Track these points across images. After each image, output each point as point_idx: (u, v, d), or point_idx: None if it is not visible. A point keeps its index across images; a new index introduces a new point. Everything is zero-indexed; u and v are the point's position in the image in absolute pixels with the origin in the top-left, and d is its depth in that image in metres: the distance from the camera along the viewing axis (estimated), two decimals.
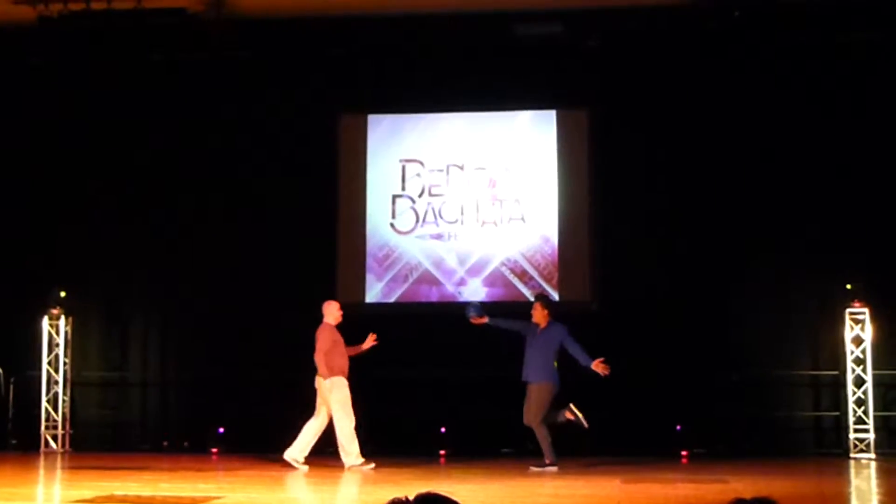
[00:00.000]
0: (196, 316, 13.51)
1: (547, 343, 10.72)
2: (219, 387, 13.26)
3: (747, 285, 12.84)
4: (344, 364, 10.85)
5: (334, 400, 10.70)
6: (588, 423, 10.71)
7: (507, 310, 12.23)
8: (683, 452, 12.38)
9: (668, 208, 13.04)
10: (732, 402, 12.66)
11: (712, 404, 12.67)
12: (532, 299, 12.74)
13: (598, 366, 10.39)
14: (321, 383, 10.79)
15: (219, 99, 13.70)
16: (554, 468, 10.66)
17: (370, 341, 11.21)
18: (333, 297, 13.08)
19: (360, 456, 10.77)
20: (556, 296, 13.01)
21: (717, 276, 12.89)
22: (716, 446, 12.51)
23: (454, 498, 2.27)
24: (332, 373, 10.70)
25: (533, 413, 10.63)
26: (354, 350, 11.12)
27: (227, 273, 13.42)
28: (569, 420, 10.74)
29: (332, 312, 10.99)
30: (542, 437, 10.69)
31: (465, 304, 10.87)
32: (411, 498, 2.20)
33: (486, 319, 10.84)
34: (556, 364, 10.81)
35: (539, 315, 10.91)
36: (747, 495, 2.50)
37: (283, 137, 13.59)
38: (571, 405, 10.71)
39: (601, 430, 12.24)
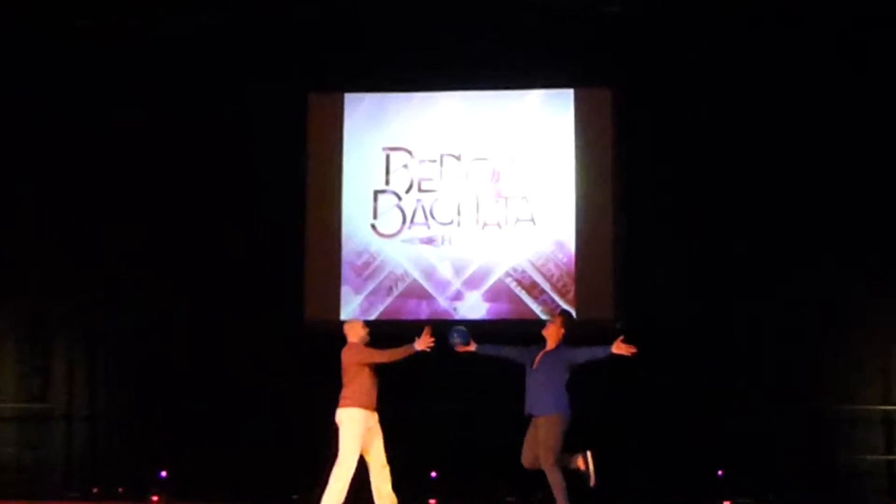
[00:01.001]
0: (132, 336, 13.74)
1: (554, 365, 10.68)
2: (160, 421, 13.44)
3: (805, 303, 13.06)
4: (365, 394, 10.67)
5: (342, 436, 10.60)
6: (598, 479, 10.73)
7: (513, 330, 12.35)
8: (726, 503, 12.75)
9: (709, 209, 13.31)
10: (786, 442, 12.96)
11: (761, 445, 12.92)
12: (543, 317, 13.22)
13: (620, 347, 10.32)
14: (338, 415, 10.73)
15: (157, 77, 13.91)
16: None
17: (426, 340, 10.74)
18: (301, 314, 13.70)
19: None
20: (572, 313, 12.94)
21: (767, 292, 13.12)
22: (766, 496, 12.84)
23: None
24: (347, 402, 10.66)
25: (544, 453, 10.64)
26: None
27: (170, 285, 13.67)
28: (578, 469, 10.81)
29: (356, 332, 10.97)
30: (557, 483, 10.60)
31: (450, 330, 10.88)
32: None
33: (472, 347, 10.90)
34: (566, 391, 10.78)
35: (554, 332, 10.84)
36: None
37: (239, 121, 13.92)
38: (589, 453, 10.75)
39: (625, 475, 12.71)
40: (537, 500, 12.33)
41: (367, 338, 10.89)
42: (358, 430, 10.52)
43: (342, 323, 12.39)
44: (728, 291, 13.27)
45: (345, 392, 10.64)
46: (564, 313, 11.23)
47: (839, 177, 13.32)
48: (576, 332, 11.10)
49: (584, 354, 10.57)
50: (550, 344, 10.72)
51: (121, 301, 13.82)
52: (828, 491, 12.89)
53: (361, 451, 10.55)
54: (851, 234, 13.22)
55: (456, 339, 10.82)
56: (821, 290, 13.13)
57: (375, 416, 10.64)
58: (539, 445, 10.55)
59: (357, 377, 10.66)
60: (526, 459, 10.64)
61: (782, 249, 13.33)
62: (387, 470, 10.62)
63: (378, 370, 10.66)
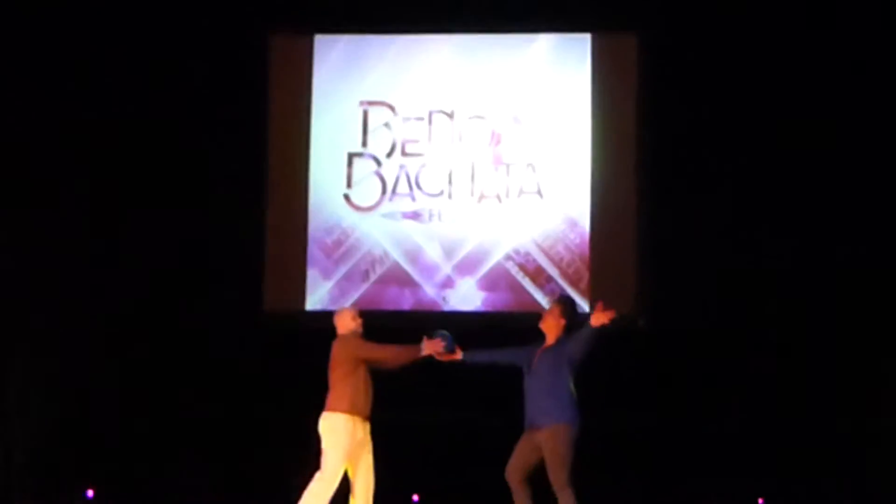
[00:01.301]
0: (52, 329, 13.55)
1: (556, 365, 10.50)
2: (86, 430, 13.40)
3: (866, 296, 12.99)
4: (356, 397, 10.42)
5: (326, 447, 10.37)
6: None
7: (513, 325, 12.23)
8: None
9: (753, 181, 13.24)
10: (843, 461, 12.85)
11: (812, 465, 12.86)
12: None
13: (599, 317, 10.16)
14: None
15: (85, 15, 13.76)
16: None
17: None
18: (259, 304, 13.57)
19: None
20: (585, 306, 13.14)
21: (821, 283, 13.11)
22: None
23: None
24: (335, 407, 10.36)
25: (554, 472, 10.40)
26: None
27: (99, 267, 13.59)
28: None
29: (346, 322, 10.67)
30: None
31: (431, 335, 10.64)
32: None
33: (459, 355, 10.70)
34: (573, 394, 10.64)
35: (552, 324, 10.76)
36: None
37: (186, 69, 13.80)
38: None
39: (648, 498, 12.71)
40: None
41: (360, 330, 10.54)
42: (345, 442, 10.21)
43: (310, 315, 13.25)
44: (778, 282, 13.19)
45: (333, 394, 10.27)
46: (563, 300, 11.02)
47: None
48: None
49: (577, 345, 10.35)
50: (550, 339, 10.47)
51: (40, 287, 13.58)
52: None
53: (346, 466, 10.33)
54: None
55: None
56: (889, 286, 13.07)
57: (367, 426, 10.35)
58: (534, 459, 10.35)
59: (349, 377, 10.25)
60: (511, 472, 10.33)
61: (844, 239, 13.21)
62: (371, 492, 10.32)
63: (374, 371, 10.35)
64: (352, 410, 10.24)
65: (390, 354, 10.27)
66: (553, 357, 10.35)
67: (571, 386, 10.33)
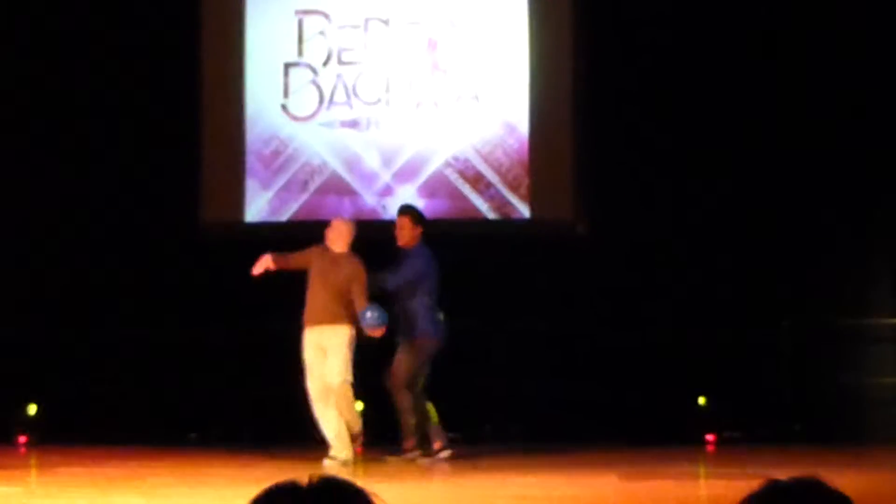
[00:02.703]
0: None
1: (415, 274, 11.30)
2: (28, 351, 13.39)
3: (805, 201, 13.08)
4: (312, 306, 11.15)
5: (347, 356, 11.03)
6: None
7: (455, 232, 12.37)
8: (709, 437, 12.68)
9: (696, 87, 13.16)
10: (780, 364, 12.94)
11: (751, 369, 12.92)
12: (490, 216, 13.31)
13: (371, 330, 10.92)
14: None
15: None
16: (414, 454, 11.09)
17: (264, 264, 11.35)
18: (196, 213, 13.57)
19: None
20: (525, 211, 13.21)
21: (760, 187, 13.13)
22: (755, 429, 12.77)
23: (360, 487, 2.50)
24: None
25: (400, 371, 11.22)
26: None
27: (37, 178, 13.49)
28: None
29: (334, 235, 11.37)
30: (404, 408, 11.23)
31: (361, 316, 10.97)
32: (304, 483, 2.47)
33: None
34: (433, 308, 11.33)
35: (408, 235, 11.39)
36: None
37: None
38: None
39: (595, 407, 12.65)
40: (496, 436, 12.68)
41: (336, 237, 11.35)
42: (306, 353, 11.10)
43: (249, 226, 13.45)
44: (718, 187, 13.17)
45: (351, 309, 10.99)
46: (407, 210, 11.78)
47: (848, 66, 13.12)
48: (529, 233, 12.35)
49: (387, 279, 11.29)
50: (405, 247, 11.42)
51: None
52: (831, 422, 12.78)
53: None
54: (870, 134, 13.15)
55: (371, 322, 10.90)
56: (827, 191, 13.12)
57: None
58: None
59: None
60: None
61: (787, 143, 13.18)
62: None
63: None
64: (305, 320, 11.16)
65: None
66: (413, 264, 11.29)
67: (428, 295, 11.18)
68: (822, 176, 12.94)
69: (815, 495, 2.64)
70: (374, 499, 2.37)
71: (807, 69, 13.07)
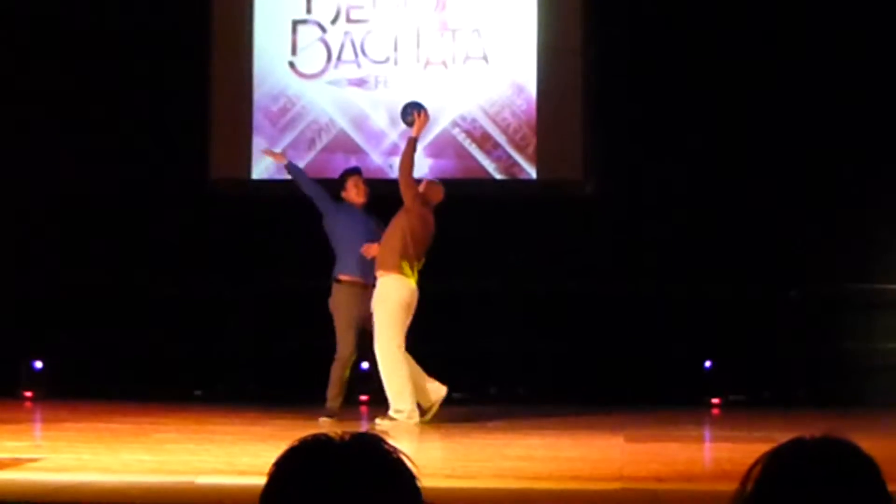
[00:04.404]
0: None
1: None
2: (34, 306, 13.44)
3: (815, 168, 13.04)
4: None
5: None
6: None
7: (461, 191, 12.29)
8: (714, 400, 12.74)
9: (707, 38, 13.08)
10: (787, 329, 12.98)
11: (758, 332, 12.97)
12: (497, 176, 13.37)
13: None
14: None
15: None
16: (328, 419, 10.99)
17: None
18: (204, 171, 13.55)
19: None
20: (532, 172, 13.22)
21: (769, 150, 13.10)
22: (761, 392, 12.87)
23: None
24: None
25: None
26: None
27: (40, 146, 13.46)
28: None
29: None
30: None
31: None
32: (341, 438, 2.41)
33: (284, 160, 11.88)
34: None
35: (360, 193, 11.63)
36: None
37: None
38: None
39: (600, 369, 12.79)
40: (500, 396, 12.71)
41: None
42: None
43: (256, 183, 13.40)
44: (730, 150, 13.10)
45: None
46: (353, 172, 11.98)
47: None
48: (535, 193, 12.28)
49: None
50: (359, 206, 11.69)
51: None
52: (837, 386, 12.90)
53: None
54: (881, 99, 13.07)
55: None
56: (838, 159, 13.05)
57: None
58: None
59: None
60: None
61: (799, 108, 13.07)
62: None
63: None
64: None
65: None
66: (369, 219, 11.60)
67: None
68: (829, 140, 12.90)
69: (843, 456, 2.60)
70: (402, 456, 2.37)
71: (817, 29, 13.03)
